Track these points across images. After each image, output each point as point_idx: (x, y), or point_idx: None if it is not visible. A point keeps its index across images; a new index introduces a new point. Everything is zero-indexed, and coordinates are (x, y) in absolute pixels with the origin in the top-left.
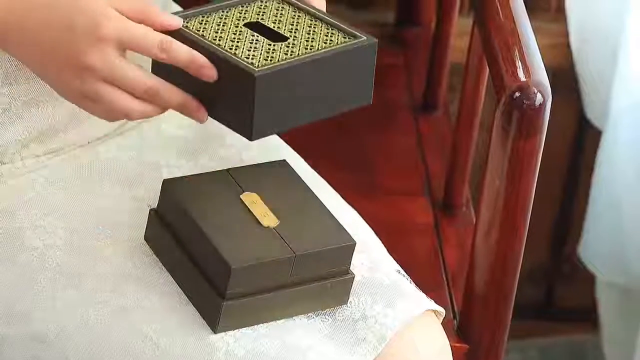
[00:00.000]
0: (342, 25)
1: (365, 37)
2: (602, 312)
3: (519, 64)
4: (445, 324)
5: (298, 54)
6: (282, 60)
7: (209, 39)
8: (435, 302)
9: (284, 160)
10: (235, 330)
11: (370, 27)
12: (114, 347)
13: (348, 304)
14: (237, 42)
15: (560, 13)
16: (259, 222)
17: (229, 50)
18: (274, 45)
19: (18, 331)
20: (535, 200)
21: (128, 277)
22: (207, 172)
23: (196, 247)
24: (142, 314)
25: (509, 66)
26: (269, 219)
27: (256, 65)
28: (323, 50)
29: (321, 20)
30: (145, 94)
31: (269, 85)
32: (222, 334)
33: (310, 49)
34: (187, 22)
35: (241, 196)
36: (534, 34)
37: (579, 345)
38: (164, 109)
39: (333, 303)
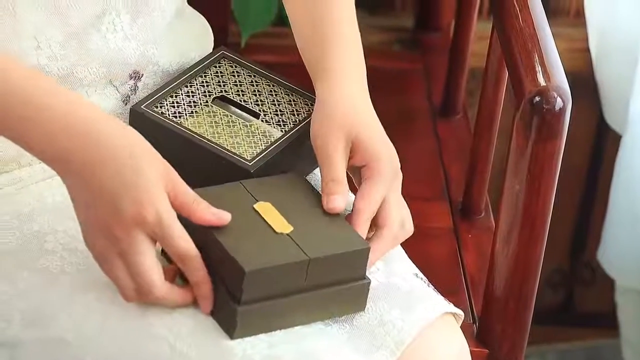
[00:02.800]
0: (299, 90)
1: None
2: (621, 316)
3: (538, 68)
4: (464, 329)
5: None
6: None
7: (189, 126)
8: (455, 306)
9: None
10: (252, 337)
11: (389, 32)
12: (132, 352)
13: (366, 309)
14: (217, 126)
15: (579, 17)
16: (273, 229)
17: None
18: (250, 125)
19: (37, 335)
20: (554, 205)
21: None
22: (220, 185)
23: (211, 254)
24: (161, 318)
25: (528, 71)
26: (282, 226)
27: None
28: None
29: (278, 84)
30: (141, 288)
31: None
32: (239, 340)
33: (283, 125)
34: (161, 108)
35: (255, 205)
36: (554, 38)
37: (598, 350)
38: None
39: (350, 309)
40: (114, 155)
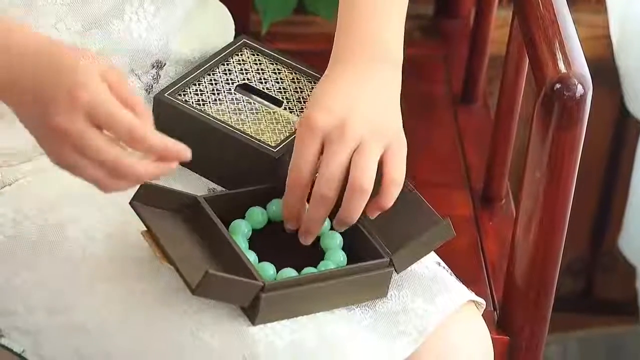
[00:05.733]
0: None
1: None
2: None
3: (559, 55)
4: (485, 316)
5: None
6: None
7: (213, 114)
8: (476, 294)
9: None
10: (275, 323)
11: (409, 20)
12: (154, 340)
13: (389, 296)
14: (240, 114)
15: (600, 4)
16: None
17: (237, 128)
18: (274, 113)
19: (58, 323)
20: (575, 192)
21: (167, 271)
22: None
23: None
24: (182, 306)
25: (549, 57)
26: None
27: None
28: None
29: (300, 72)
30: (107, 166)
31: None
32: (261, 326)
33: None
34: (185, 96)
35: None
36: (574, 25)
37: (619, 337)
38: (133, 183)
39: (372, 296)
40: (35, 53)
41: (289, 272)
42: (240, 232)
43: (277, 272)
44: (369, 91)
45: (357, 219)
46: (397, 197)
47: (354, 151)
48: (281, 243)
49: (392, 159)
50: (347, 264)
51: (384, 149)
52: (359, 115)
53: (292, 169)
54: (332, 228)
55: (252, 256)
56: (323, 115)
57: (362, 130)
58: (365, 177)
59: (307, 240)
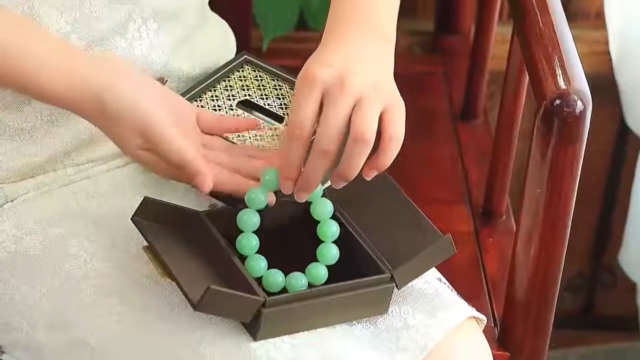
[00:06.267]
0: None
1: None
2: None
3: (559, 71)
4: (486, 332)
5: None
6: None
7: None
8: (476, 310)
9: None
10: (276, 338)
11: (410, 36)
12: (155, 356)
13: (390, 312)
14: (243, 136)
15: (600, 20)
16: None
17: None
18: (275, 129)
19: (61, 339)
20: (575, 208)
21: (169, 286)
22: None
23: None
24: (184, 321)
25: (549, 74)
26: None
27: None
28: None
29: None
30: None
31: None
32: (263, 341)
33: None
34: None
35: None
36: (574, 41)
37: (619, 354)
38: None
39: (373, 311)
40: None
41: (299, 278)
42: (249, 224)
43: (286, 276)
44: (366, 54)
45: (356, 173)
46: (395, 157)
47: (354, 107)
48: (287, 245)
49: (391, 116)
50: (348, 280)
51: (384, 107)
52: (359, 71)
53: (290, 123)
54: (324, 195)
55: (262, 262)
56: (323, 69)
57: (362, 86)
58: (367, 128)
59: (302, 198)
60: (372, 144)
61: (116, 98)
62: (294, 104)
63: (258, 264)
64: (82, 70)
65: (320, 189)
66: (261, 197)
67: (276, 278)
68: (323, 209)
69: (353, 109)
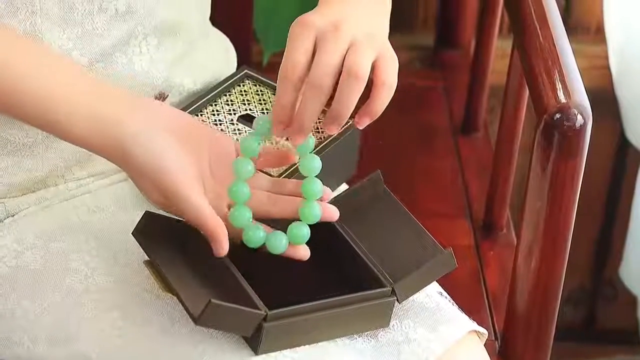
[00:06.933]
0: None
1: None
2: None
3: (559, 85)
4: (487, 346)
5: None
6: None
7: None
8: (477, 323)
9: None
10: (277, 352)
11: (410, 50)
12: None
13: (391, 326)
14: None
15: (600, 34)
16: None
17: None
18: (276, 143)
19: (62, 353)
20: (575, 222)
21: (170, 300)
22: None
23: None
24: (185, 336)
25: (549, 88)
26: None
27: None
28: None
29: None
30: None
31: None
32: (264, 355)
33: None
34: None
35: None
36: (574, 55)
37: None
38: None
39: (374, 325)
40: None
41: (279, 237)
42: (243, 171)
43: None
44: (362, 10)
45: (349, 113)
46: (386, 102)
47: (347, 51)
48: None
49: (383, 63)
50: (350, 294)
51: (376, 55)
52: (353, 20)
53: (284, 63)
54: (314, 152)
55: (248, 214)
56: (317, 16)
57: (356, 33)
58: (360, 65)
59: (296, 141)
60: (365, 83)
61: (139, 153)
62: (288, 46)
63: (242, 215)
64: (110, 117)
65: (312, 141)
66: (254, 144)
67: (256, 233)
68: (310, 164)
69: (346, 53)
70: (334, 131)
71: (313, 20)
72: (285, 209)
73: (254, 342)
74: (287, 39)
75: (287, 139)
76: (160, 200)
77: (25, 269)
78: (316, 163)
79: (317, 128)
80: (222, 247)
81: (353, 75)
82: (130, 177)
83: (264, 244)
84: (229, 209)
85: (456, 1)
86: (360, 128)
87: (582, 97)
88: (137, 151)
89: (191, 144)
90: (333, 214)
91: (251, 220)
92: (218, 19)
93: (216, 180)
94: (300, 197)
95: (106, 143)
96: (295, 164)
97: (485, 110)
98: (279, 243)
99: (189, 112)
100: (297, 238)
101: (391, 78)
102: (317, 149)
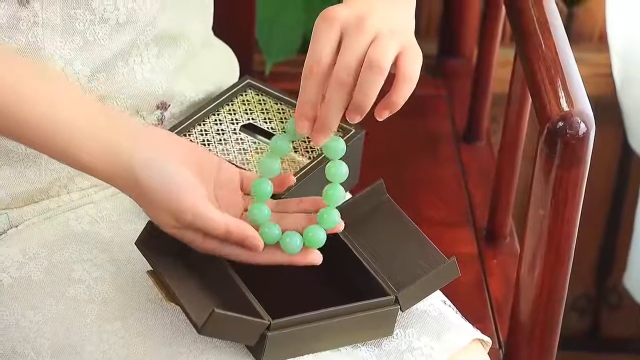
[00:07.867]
0: None
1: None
2: None
3: (561, 93)
4: (491, 354)
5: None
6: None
7: (217, 154)
8: (481, 332)
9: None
10: None
11: None
12: None
13: (394, 335)
14: (245, 154)
15: (602, 42)
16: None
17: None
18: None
19: None
20: (579, 230)
21: (174, 310)
22: None
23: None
24: (189, 346)
25: (551, 96)
26: None
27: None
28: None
29: None
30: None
31: None
32: None
33: (310, 152)
34: (189, 136)
35: None
36: (577, 63)
37: None
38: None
39: (378, 334)
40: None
41: (294, 238)
42: (263, 192)
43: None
44: (387, 2)
45: (371, 103)
46: (406, 96)
47: (371, 44)
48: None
49: (407, 57)
50: (353, 303)
51: (400, 49)
52: (378, 13)
53: (308, 60)
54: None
55: (266, 210)
56: (342, 9)
57: (381, 26)
58: (383, 56)
59: (320, 140)
60: (385, 75)
61: (152, 177)
62: (312, 41)
63: (261, 211)
64: (121, 146)
65: (343, 146)
66: (285, 143)
67: (272, 230)
68: (338, 170)
69: (370, 46)
70: (356, 121)
71: (338, 14)
72: (290, 224)
73: (257, 352)
74: (312, 33)
75: (308, 140)
76: (171, 224)
77: (29, 279)
78: (343, 169)
79: (307, 148)
80: (257, 243)
81: (374, 67)
82: (141, 205)
83: (278, 242)
84: None
85: (459, 10)
86: (380, 120)
87: (585, 105)
88: (150, 176)
89: (197, 168)
90: (339, 225)
91: (269, 217)
92: (220, 28)
93: (220, 205)
94: (302, 213)
95: (117, 172)
96: (298, 173)
97: (488, 119)
98: (294, 243)
99: (191, 122)
100: (313, 240)
101: (413, 73)
102: (319, 159)
